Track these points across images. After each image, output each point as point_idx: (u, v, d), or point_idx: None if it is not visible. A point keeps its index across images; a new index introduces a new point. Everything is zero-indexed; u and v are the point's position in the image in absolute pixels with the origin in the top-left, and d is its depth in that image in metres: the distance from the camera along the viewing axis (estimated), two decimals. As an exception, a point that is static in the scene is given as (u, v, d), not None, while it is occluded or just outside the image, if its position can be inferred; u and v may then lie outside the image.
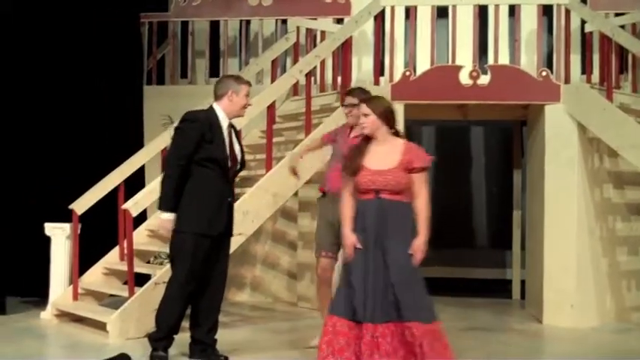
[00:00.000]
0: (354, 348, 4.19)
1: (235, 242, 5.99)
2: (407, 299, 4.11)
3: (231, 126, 4.89)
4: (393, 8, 6.89)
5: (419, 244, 4.21)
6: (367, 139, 4.42)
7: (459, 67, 6.64)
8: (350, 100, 5.22)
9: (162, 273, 5.64)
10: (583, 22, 7.29)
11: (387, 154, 4.34)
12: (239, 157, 4.90)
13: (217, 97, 4.84)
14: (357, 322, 4.19)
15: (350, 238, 4.29)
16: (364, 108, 4.41)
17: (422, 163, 4.31)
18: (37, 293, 6.71)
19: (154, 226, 6.66)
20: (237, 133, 5.01)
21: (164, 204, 4.69)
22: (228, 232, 4.88)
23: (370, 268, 4.20)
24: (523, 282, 7.63)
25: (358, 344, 4.17)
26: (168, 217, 4.68)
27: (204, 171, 4.70)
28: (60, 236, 6.41)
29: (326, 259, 5.11)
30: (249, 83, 4.96)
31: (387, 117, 4.39)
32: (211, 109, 4.83)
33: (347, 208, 4.38)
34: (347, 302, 4.22)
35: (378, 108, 4.38)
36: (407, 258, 4.20)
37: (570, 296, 6.32)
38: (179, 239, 4.71)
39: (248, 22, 8.36)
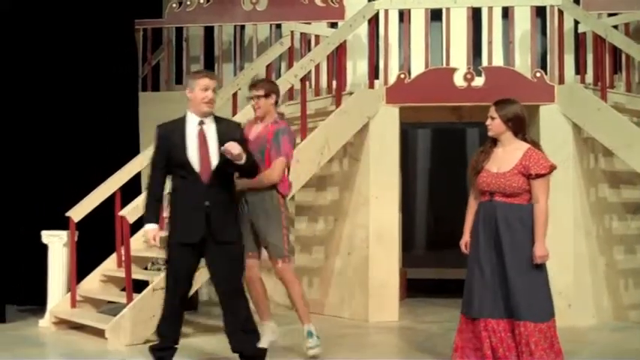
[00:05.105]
0: (474, 343, 4.40)
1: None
2: (522, 300, 4.27)
3: (210, 122, 4.53)
4: (386, 12, 6.90)
5: (536, 249, 4.30)
6: (494, 142, 4.50)
7: (454, 70, 6.66)
8: (254, 92, 5.11)
9: (159, 279, 5.62)
10: (576, 23, 7.32)
11: (506, 158, 4.42)
12: (213, 155, 4.48)
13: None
14: (473, 319, 4.38)
15: (463, 238, 4.56)
16: (492, 111, 4.46)
17: (539, 169, 4.36)
18: (35, 301, 6.70)
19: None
20: (222, 130, 4.54)
21: (144, 216, 4.69)
22: (215, 238, 4.51)
23: (485, 267, 4.35)
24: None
25: (478, 339, 4.36)
26: (147, 227, 4.63)
27: (176, 178, 4.57)
28: (57, 244, 6.41)
29: (249, 259, 5.07)
30: (208, 75, 4.56)
31: (515, 123, 4.43)
32: (185, 113, 4.60)
33: (469, 209, 4.60)
34: (468, 299, 4.45)
35: (506, 113, 4.42)
36: (524, 260, 4.31)
37: (568, 296, 6.33)
38: (167, 249, 4.66)
39: (242, 27, 8.37)
